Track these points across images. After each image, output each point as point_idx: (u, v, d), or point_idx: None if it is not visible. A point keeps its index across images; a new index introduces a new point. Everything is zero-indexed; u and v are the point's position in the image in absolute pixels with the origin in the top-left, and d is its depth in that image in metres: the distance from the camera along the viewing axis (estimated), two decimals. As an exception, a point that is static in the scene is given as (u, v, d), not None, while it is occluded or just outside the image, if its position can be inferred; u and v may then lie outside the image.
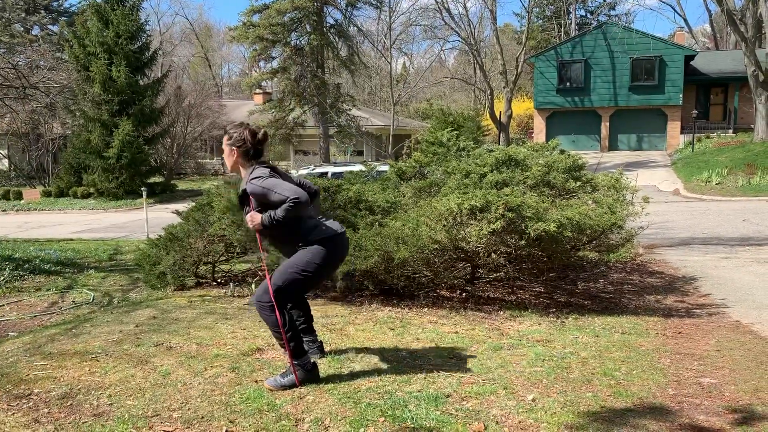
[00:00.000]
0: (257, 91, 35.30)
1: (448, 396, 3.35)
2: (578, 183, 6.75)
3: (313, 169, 17.20)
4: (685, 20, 54.80)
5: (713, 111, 32.30)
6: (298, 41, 30.05)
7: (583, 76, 31.96)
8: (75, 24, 28.34)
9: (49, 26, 39.54)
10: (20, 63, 17.53)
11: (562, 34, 50.17)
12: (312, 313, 4.01)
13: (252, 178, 3.43)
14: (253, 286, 6.59)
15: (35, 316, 6.42)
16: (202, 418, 3.12)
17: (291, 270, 3.47)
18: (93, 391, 3.51)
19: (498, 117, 32.34)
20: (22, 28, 35.11)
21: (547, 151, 7.48)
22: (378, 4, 31.22)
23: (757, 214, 13.41)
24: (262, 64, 31.94)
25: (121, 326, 5.05)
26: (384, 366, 3.87)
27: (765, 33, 29.93)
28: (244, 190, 3.48)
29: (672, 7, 54.17)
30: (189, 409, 3.24)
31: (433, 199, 6.26)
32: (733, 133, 29.04)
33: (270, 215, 3.37)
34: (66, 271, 9.02)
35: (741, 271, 7.63)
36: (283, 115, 29.59)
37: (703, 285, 7.01)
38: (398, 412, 3.11)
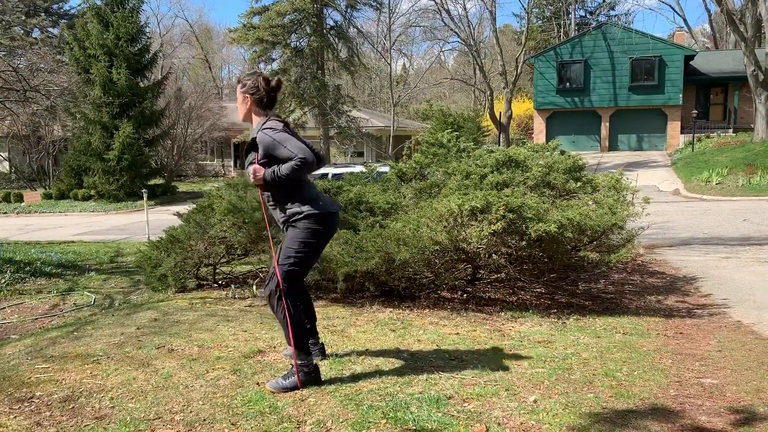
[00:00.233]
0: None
1: (449, 398, 3.35)
2: (579, 183, 6.75)
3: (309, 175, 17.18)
4: (685, 20, 54.79)
5: (713, 111, 32.31)
6: (298, 43, 30.10)
7: (583, 76, 31.98)
8: (75, 26, 28.37)
9: (50, 29, 39.59)
10: (21, 66, 17.54)
11: (562, 34, 50.20)
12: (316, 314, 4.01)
13: (265, 128, 3.41)
14: (254, 287, 6.59)
15: (36, 319, 6.42)
16: (204, 420, 3.12)
17: (290, 253, 3.46)
18: (95, 394, 3.51)
19: (498, 118, 32.35)
20: (22, 31, 35.15)
21: (548, 151, 7.48)
22: (378, 5, 31.27)
23: (758, 213, 13.41)
24: (262, 65, 31.97)
25: (123, 329, 5.05)
26: (385, 368, 3.87)
27: (764, 33, 29.92)
28: (254, 139, 3.44)
29: (671, 7, 54.30)
30: (191, 411, 3.24)
31: (433, 200, 6.27)
32: (733, 132, 29.05)
33: (274, 171, 3.35)
34: (67, 273, 9.02)
35: (742, 271, 7.63)
36: (283, 116, 29.49)
37: (703, 285, 7.01)
38: (400, 414, 3.11)
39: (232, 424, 3.06)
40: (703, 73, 31.28)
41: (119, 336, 4.79)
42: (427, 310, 5.63)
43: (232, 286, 6.78)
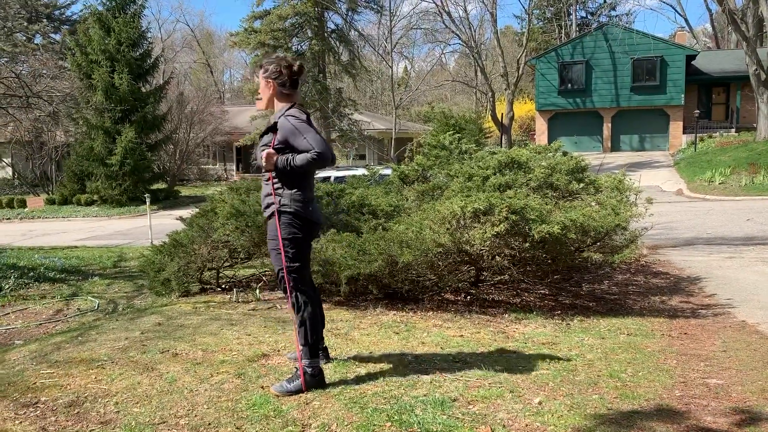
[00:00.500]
0: (258, 96, 35.29)
1: (454, 400, 3.34)
2: (581, 184, 6.75)
3: (315, 174, 17.20)
4: (686, 20, 54.86)
5: (715, 110, 32.29)
6: (299, 46, 30.16)
7: (585, 77, 31.99)
8: (77, 32, 28.42)
9: (52, 35, 39.69)
10: (23, 72, 17.61)
11: (563, 35, 50.20)
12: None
13: (288, 114, 3.39)
14: (257, 291, 6.59)
15: (41, 324, 6.43)
16: (209, 424, 3.12)
17: (286, 248, 3.45)
18: (100, 399, 3.51)
19: (500, 119, 32.35)
20: (24, 38, 35.24)
21: (550, 152, 7.48)
22: (378, 8, 31.31)
23: (761, 213, 13.38)
24: (263, 69, 31.95)
25: (127, 333, 5.05)
26: (390, 370, 3.86)
27: (766, 32, 29.92)
28: (275, 123, 3.41)
29: (672, 7, 54.37)
30: (196, 415, 3.24)
31: (436, 202, 6.27)
32: (736, 132, 29.02)
33: (287, 159, 3.33)
34: (71, 278, 9.04)
35: (746, 271, 7.62)
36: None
37: (707, 285, 6.99)
38: (405, 417, 3.11)
39: (237, 428, 3.06)
40: (704, 72, 31.25)
41: (123, 341, 4.79)
42: (431, 312, 5.62)
43: (236, 289, 6.79)
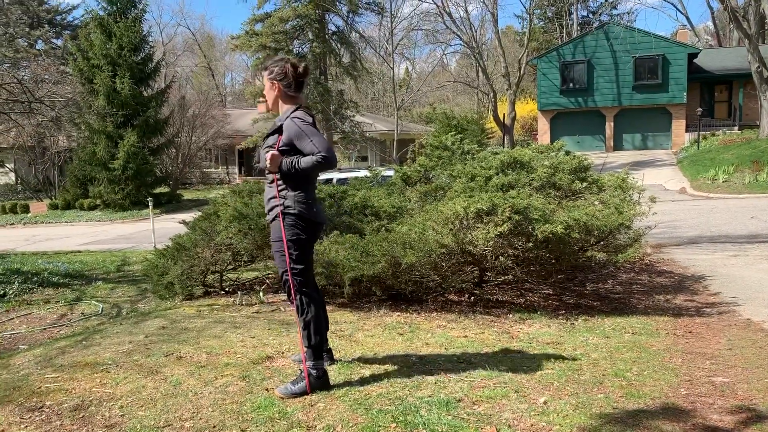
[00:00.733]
0: (261, 99, 35.40)
1: (459, 400, 3.34)
2: (584, 184, 6.73)
3: (318, 175, 17.20)
4: (687, 18, 54.77)
5: (718, 108, 32.24)
6: (300, 49, 30.20)
7: (586, 76, 31.96)
8: (78, 37, 28.54)
9: (53, 40, 39.83)
10: (25, 78, 17.65)
11: (564, 35, 50.17)
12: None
13: (294, 116, 3.38)
14: (261, 294, 6.59)
15: (45, 329, 6.44)
16: (214, 427, 3.12)
17: (288, 255, 3.44)
18: (105, 403, 3.51)
19: (502, 119, 32.34)
20: (26, 43, 35.37)
21: (552, 152, 7.47)
22: (379, 10, 31.33)
23: (766, 210, 13.34)
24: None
25: (131, 337, 5.06)
26: (394, 371, 3.86)
27: (768, 29, 29.87)
28: (280, 126, 3.40)
29: (674, 5, 54.19)
30: (200, 418, 3.24)
31: (439, 203, 6.26)
32: (739, 130, 28.97)
33: (292, 161, 3.32)
34: (74, 283, 9.05)
35: (750, 269, 7.59)
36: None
37: (712, 283, 6.97)
38: (410, 418, 3.10)
39: (242, 431, 3.06)
40: (707, 70, 31.21)
41: (128, 344, 4.80)
42: (435, 313, 5.62)
43: (240, 292, 6.79)
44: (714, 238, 10.27)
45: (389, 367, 3.95)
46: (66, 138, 28.14)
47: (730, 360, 4.20)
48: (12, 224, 23.62)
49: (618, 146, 32.11)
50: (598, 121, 32.37)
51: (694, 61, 31.26)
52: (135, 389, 3.70)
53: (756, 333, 4.98)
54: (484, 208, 5.18)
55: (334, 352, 4.11)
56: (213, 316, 5.77)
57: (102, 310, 7.17)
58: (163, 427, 3.16)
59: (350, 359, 4.12)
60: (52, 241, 17.02)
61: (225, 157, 36.87)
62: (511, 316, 5.55)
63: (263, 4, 30.09)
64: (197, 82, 56.21)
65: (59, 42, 39.14)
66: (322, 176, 16.78)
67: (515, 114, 33.03)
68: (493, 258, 5.58)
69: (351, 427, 3.05)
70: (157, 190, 26.50)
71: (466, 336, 4.82)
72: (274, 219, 3.51)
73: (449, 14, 30.92)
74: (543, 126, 33.21)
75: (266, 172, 3.50)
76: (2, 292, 8.19)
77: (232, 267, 7.23)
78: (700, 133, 27.24)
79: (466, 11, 51.81)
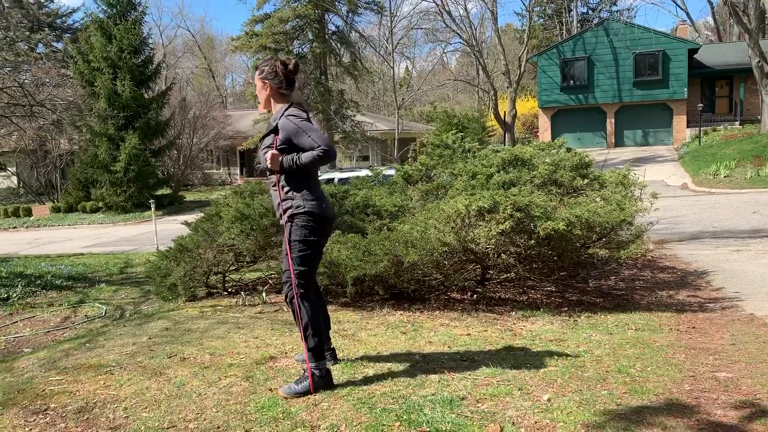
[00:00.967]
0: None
1: (463, 398, 3.34)
2: (586, 180, 6.73)
3: (319, 176, 17.22)
4: (687, 14, 54.71)
5: (719, 104, 32.19)
6: (300, 49, 30.19)
7: (587, 73, 31.93)
8: (79, 40, 28.56)
9: (53, 43, 39.89)
10: (26, 81, 17.68)
11: (564, 32, 50.11)
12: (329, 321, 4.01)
13: (289, 114, 3.38)
14: (264, 294, 6.60)
15: (49, 332, 6.45)
16: (218, 428, 3.13)
17: (294, 257, 3.44)
18: (109, 404, 3.52)
19: (503, 117, 32.32)
20: (26, 47, 35.42)
21: (553, 149, 7.46)
22: (379, 9, 31.30)
23: (767, 205, 13.32)
24: (265, 72, 31.97)
25: (135, 339, 5.07)
26: (397, 370, 3.86)
27: (768, 23, 29.81)
28: (276, 125, 3.40)
29: (673, 1, 54.02)
30: (205, 419, 3.24)
31: (440, 201, 6.26)
32: (740, 125, 28.92)
33: (293, 158, 3.32)
34: (77, 285, 9.07)
35: (753, 264, 7.58)
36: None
37: (715, 279, 6.97)
38: (413, 416, 3.11)
39: (246, 431, 3.07)
40: (707, 66, 31.16)
41: (131, 346, 4.81)
42: (438, 311, 5.62)
43: (242, 293, 6.80)
44: (716, 233, 10.26)
45: (392, 366, 3.95)
46: (67, 141, 28.18)
47: (734, 355, 4.20)
48: (15, 228, 23.66)
49: (619, 143, 32.07)
50: (599, 118, 32.34)
51: (695, 56, 31.20)
52: (139, 391, 3.71)
53: (759, 328, 4.97)
54: (485, 206, 5.18)
55: (337, 351, 4.12)
56: (216, 317, 5.78)
57: (105, 313, 7.18)
58: (168, 428, 3.17)
59: (353, 358, 4.12)
60: (55, 244, 17.04)
61: (226, 158, 36.90)
62: (513, 313, 5.55)
63: (263, 5, 30.11)
64: (198, 83, 56.25)
65: (59, 45, 39.20)
66: (324, 176, 16.80)
67: (516, 112, 33.02)
68: (495, 256, 5.59)
69: (355, 426, 3.05)
70: (159, 192, 26.53)
71: (469, 334, 4.82)
72: (287, 221, 3.52)
73: (449, 12, 30.93)
74: (544, 123, 33.18)
75: (268, 173, 3.51)
76: (6, 295, 8.21)
77: (234, 268, 7.23)
78: (701, 128, 27.21)
79: (466, 9, 51.75)
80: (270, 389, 3.61)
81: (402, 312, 5.61)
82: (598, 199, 6.39)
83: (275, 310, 5.94)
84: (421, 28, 36.38)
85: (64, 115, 16.01)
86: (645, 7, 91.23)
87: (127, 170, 23.83)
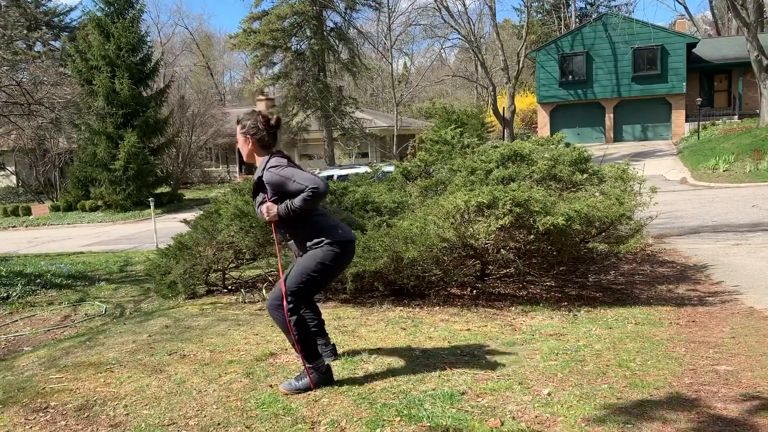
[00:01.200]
0: (260, 97, 35.43)
1: (463, 393, 3.34)
2: (585, 175, 6.72)
3: (318, 173, 17.23)
4: (686, 8, 54.58)
5: (717, 98, 32.16)
6: (298, 46, 30.15)
7: (585, 68, 31.90)
8: (77, 39, 28.54)
9: (51, 42, 39.78)
10: (24, 80, 17.63)
11: (562, 27, 50.06)
12: (323, 316, 4.00)
13: (270, 167, 3.40)
14: (263, 291, 6.60)
15: (49, 330, 6.45)
16: (219, 424, 3.13)
17: (303, 273, 3.45)
18: (109, 402, 3.52)
19: (501, 113, 32.29)
20: (24, 45, 35.33)
21: (552, 144, 7.45)
22: (377, 5, 31.24)
23: (767, 199, 13.32)
24: (263, 70, 32.07)
25: (135, 336, 5.07)
26: (398, 366, 3.87)
27: (767, 17, 29.77)
28: (260, 179, 3.43)
29: (672, -5, 53.94)
30: (205, 416, 3.24)
31: (439, 197, 6.26)
32: (739, 119, 28.90)
33: (287, 205, 3.35)
34: (77, 284, 9.06)
35: (752, 257, 7.59)
36: (286, 120, 29.69)
37: (714, 273, 6.97)
38: (414, 412, 3.11)
39: (247, 427, 3.07)
40: (706, 60, 31.12)
41: (131, 344, 4.81)
42: (438, 307, 5.62)
43: (242, 290, 6.80)
44: (716, 227, 10.26)
45: (393, 362, 3.96)
46: (66, 139, 28.14)
47: (734, 348, 4.20)
48: (14, 227, 23.64)
49: (618, 137, 32.05)
50: (598, 113, 32.31)
51: (693, 50, 31.17)
52: (139, 388, 3.71)
53: (759, 321, 4.98)
54: (485, 201, 5.18)
55: (337, 347, 4.12)
56: (216, 314, 5.78)
57: (105, 311, 7.18)
58: (168, 425, 3.17)
59: (354, 354, 4.12)
60: (55, 243, 17.04)
61: (225, 156, 36.86)
62: (513, 308, 5.55)
63: (261, 2, 30.04)
64: (196, 81, 56.18)
65: (57, 44, 39.12)
66: (323, 173, 16.79)
67: (515, 107, 32.98)
68: (495, 251, 5.58)
69: (355, 421, 3.05)
70: (159, 190, 26.51)
71: (469, 329, 4.82)
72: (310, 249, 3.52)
73: (447, 8, 30.85)
74: (543, 119, 33.16)
75: (268, 223, 3.56)
76: (6, 294, 8.21)
77: (234, 265, 7.23)
78: (700, 122, 27.18)
79: (464, 5, 51.69)
80: (270, 386, 3.61)
81: (402, 308, 5.61)
82: (597, 194, 6.38)
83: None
84: (420, 24, 36.29)
85: (62, 114, 16.00)
86: (643, 2, 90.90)
87: (126, 169, 23.80)
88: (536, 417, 3.02)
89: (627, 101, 31.65)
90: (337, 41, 30.72)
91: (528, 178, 6.52)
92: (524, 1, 38.12)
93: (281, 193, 3.39)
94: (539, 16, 53.86)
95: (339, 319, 5.20)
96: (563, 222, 5.16)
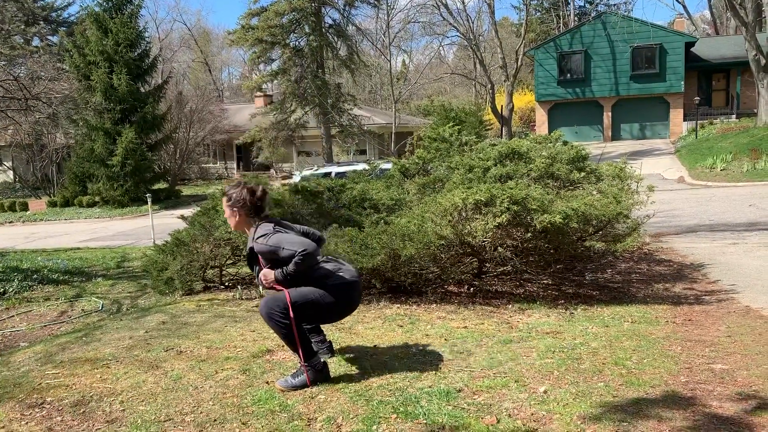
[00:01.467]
0: (258, 93, 35.39)
1: (459, 391, 3.35)
2: (582, 174, 6.72)
3: (316, 170, 17.21)
4: (684, 7, 54.60)
5: (715, 97, 32.18)
6: (297, 42, 30.08)
7: (584, 66, 31.89)
8: (74, 34, 28.41)
9: (49, 37, 39.66)
10: (21, 75, 17.61)
11: (561, 25, 50.02)
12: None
13: (257, 237, 3.44)
14: (260, 288, 6.59)
15: (45, 326, 6.44)
16: (215, 421, 3.13)
17: (310, 292, 3.46)
18: (105, 398, 3.52)
19: (500, 111, 32.29)
20: (22, 40, 35.25)
21: (550, 142, 7.46)
22: (376, 2, 31.20)
23: (764, 198, 13.34)
24: (262, 66, 32.00)
25: (131, 332, 5.06)
26: (394, 363, 3.87)
27: (765, 17, 29.78)
28: (252, 249, 3.49)
29: (671, -6, 53.86)
30: (201, 412, 3.24)
31: (437, 194, 6.26)
32: (737, 118, 28.92)
33: (282, 271, 3.39)
34: (74, 280, 9.05)
35: (749, 257, 7.60)
36: (284, 117, 29.65)
37: (711, 272, 6.98)
38: (410, 409, 3.11)
39: (243, 424, 3.07)
40: (704, 59, 31.14)
41: (128, 340, 4.80)
42: (435, 304, 5.62)
43: (239, 287, 6.79)
44: (713, 226, 10.28)
45: (389, 359, 3.96)
46: (63, 135, 28.07)
47: (730, 347, 4.21)
48: (11, 222, 23.59)
49: (616, 136, 32.07)
50: (596, 111, 32.32)
51: (692, 49, 31.18)
52: (135, 384, 3.71)
53: (755, 320, 4.99)
54: (482, 199, 5.18)
55: (334, 344, 4.12)
56: (213, 311, 5.78)
57: (102, 307, 7.17)
58: (164, 421, 3.17)
59: (350, 351, 4.13)
60: (52, 239, 17.01)
61: (223, 152, 36.80)
62: (510, 306, 5.56)
63: (259, -2, 29.99)
64: (194, 77, 56.07)
65: (55, 39, 38.99)
66: (321, 170, 16.78)
67: (513, 105, 32.98)
68: (492, 249, 5.59)
69: (352, 418, 3.06)
70: (156, 186, 26.46)
71: (465, 327, 4.83)
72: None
73: (446, 6, 30.85)
74: (541, 117, 33.16)
75: (264, 290, 3.61)
76: (2, 289, 8.20)
77: (231, 262, 7.23)
78: (698, 121, 27.21)
79: (463, 3, 51.53)
80: (267, 382, 3.62)
81: (399, 305, 5.62)
82: (594, 192, 6.38)
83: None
84: (418, 22, 36.28)
85: (60, 109, 15.98)
86: (642, 1, 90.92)
87: (123, 164, 23.76)
88: (532, 414, 3.03)
89: (625, 100, 31.66)
90: (335, 38, 30.66)
91: (525, 176, 6.53)
92: (523, -1, 38.08)
93: (273, 260, 3.43)
94: (538, 14, 53.82)
95: (336, 316, 5.20)
96: (560, 220, 5.16)
